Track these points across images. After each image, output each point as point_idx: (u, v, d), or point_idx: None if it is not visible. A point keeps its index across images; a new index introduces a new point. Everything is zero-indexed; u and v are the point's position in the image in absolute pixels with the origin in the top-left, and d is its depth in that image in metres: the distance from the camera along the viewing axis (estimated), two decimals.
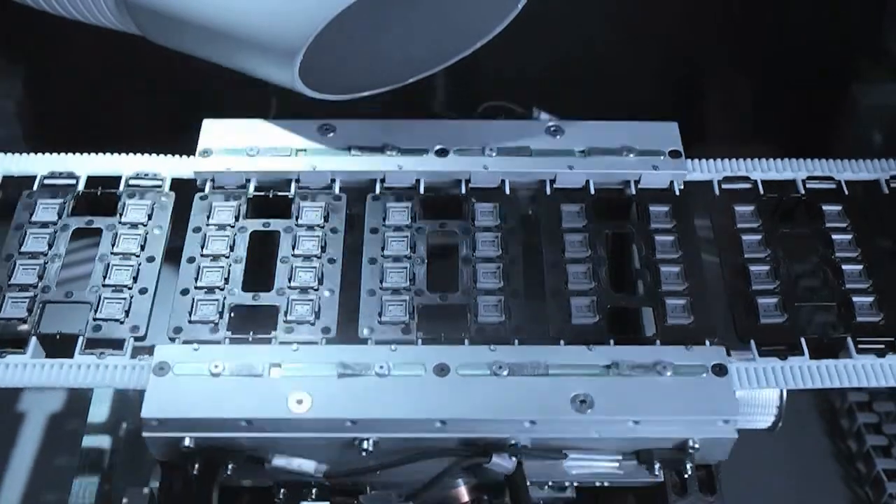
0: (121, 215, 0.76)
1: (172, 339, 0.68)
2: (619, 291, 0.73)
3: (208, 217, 0.75)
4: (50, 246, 0.74)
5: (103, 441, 0.82)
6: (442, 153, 0.79)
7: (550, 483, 0.71)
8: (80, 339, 0.68)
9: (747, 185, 0.79)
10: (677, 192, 0.78)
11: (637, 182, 0.78)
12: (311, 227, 0.75)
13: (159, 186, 0.78)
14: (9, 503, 0.91)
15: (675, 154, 0.79)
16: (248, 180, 0.77)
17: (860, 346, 0.69)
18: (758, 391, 0.70)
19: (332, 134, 0.80)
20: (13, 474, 0.93)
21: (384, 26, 0.82)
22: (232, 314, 0.70)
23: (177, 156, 0.80)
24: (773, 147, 1.17)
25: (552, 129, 0.81)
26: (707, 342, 0.68)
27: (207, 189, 0.77)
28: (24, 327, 0.69)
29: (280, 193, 0.77)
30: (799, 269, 0.75)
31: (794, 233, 0.77)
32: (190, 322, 0.69)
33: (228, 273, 0.72)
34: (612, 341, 0.68)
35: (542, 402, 0.65)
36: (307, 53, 0.70)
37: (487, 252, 0.73)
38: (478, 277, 0.72)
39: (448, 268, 0.74)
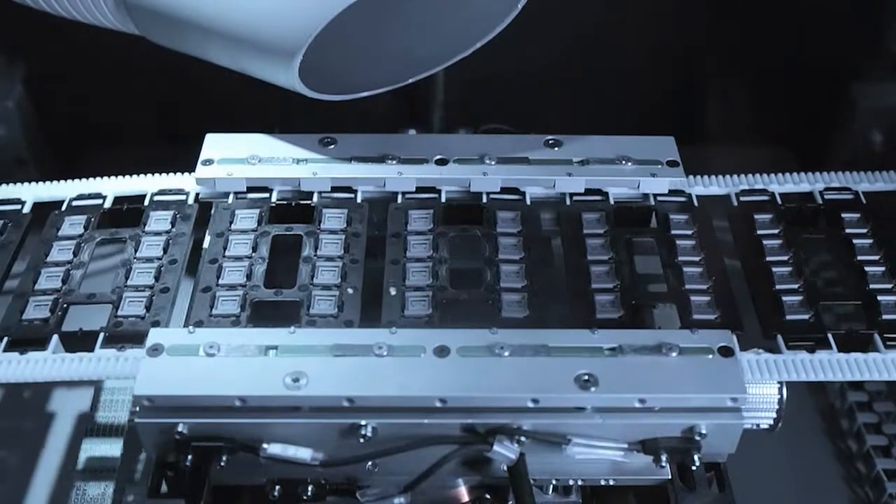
0: (144, 225, 0.77)
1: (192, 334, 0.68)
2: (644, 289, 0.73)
3: (230, 223, 0.76)
4: (75, 255, 0.75)
5: (104, 441, 0.82)
6: (442, 162, 0.80)
7: (555, 482, 0.70)
8: (101, 334, 0.69)
9: (765, 197, 0.80)
10: (653, 202, 0.79)
11: (638, 188, 0.79)
12: (333, 232, 0.76)
13: (183, 200, 0.79)
14: (9, 503, 0.91)
15: (672, 164, 0.80)
16: (271, 189, 0.79)
17: (888, 342, 0.70)
18: (757, 392, 0.70)
19: (333, 146, 0.81)
20: (13, 474, 0.93)
21: (384, 26, 0.82)
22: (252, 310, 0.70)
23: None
24: (774, 149, 1.18)
25: (550, 142, 0.82)
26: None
27: (231, 199, 0.79)
28: (46, 327, 0.70)
29: (302, 202, 0.78)
30: (821, 271, 0.76)
31: (815, 237, 0.78)
32: (211, 316, 0.70)
33: (250, 272, 0.73)
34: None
35: (544, 381, 0.64)
36: (307, 53, 0.70)
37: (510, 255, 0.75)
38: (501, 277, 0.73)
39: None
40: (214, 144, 0.82)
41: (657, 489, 0.68)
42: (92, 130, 1.16)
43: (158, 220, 0.77)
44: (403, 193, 0.80)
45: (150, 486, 0.67)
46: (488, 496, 0.69)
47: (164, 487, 0.67)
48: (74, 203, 0.79)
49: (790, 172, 0.82)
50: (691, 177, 0.81)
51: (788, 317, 0.71)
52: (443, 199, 0.79)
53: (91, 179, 0.82)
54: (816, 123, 1.13)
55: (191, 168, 0.80)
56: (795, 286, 0.73)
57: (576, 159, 0.81)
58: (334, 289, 0.72)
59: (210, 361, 0.65)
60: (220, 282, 0.72)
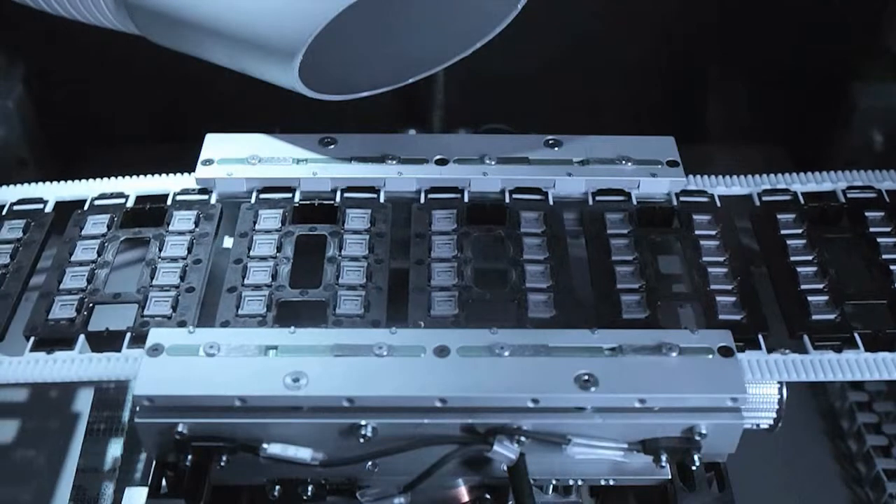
0: (168, 224, 0.77)
1: None
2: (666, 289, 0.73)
3: (254, 223, 0.76)
4: (99, 255, 0.75)
5: (105, 442, 0.82)
6: (442, 162, 0.80)
7: (555, 482, 0.70)
8: (128, 334, 0.69)
9: (787, 197, 0.80)
10: (675, 202, 0.79)
11: (638, 187, 0.79)
12: (357, 232, 0.76)
13: (206, 200, 0.79)
14: (10, 503, 0.91)
15: (672, 164, 0.80)
16: (294, 189, 0.79)
17: None
18: (757, 392, 0.70)
19: (333, 146, 0.82)
20: (15, 474, 0.93)
21: (384, 26, 0.82)
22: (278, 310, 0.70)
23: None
24: (774, 149, 1.18)
25: (550, 142, 0.82)
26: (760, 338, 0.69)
27: (253, 199, 0.79)
28: (73, 327, 0.69)
29: (325, 202, 0.78)
30: (845, 270, 0.75)
31: (839, 237, 0.77)
32: (237, 316, 0.70)
33: (276, 272, 0.73)
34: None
35: (544, 381, 0.64)
36: (307, 53, 0.70)
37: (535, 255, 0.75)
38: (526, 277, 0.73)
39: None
40: (214, 144, 0.82)
41: (657, 489, 0.68)
42: (92, 130, 1.16)
43: (182, 220, 0.77)
44: (426, 193, 0.80)
45: (150, 486, 0.66)
46: (488, 496, 0.69)
47: (164, 487, 0.67)
48: (97, 202, 0.79)
49: (811, 171, 0.82)
50: (713, 177, 0.81)
51: (814, 317, 0.71)
52: (465, 199, 0.79)
53: (112, 179, 0.82)
54: (816, 123, 1.13)
55: (191, 168, 0.80)
56: (820, 286, 0.72)
57: (576, 159, 0.81)
58: (360, 289, 0.72)
59: (210, 361, 0.65)
60: (246, 282, 0.72)
